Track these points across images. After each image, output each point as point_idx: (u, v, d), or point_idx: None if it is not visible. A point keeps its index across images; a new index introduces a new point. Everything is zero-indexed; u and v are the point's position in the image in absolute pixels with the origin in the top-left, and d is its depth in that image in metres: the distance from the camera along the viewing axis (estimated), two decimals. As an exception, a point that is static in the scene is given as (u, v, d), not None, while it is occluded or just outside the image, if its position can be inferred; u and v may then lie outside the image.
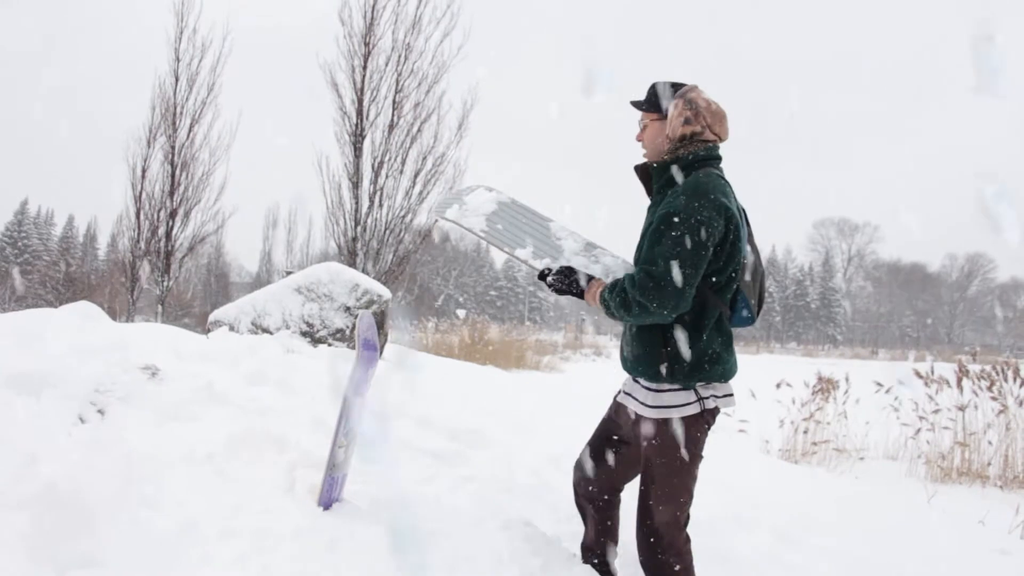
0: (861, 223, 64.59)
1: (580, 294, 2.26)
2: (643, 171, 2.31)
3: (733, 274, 2.12)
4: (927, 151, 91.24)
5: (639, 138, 2.36)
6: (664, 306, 2.00)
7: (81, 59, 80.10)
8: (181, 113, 14.45)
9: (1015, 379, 6.57)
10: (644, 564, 2.21)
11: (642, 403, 2.19)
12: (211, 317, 6.28)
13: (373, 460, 2.96)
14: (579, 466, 2.47)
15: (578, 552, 2.59)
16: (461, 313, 18.25)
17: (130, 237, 14.70)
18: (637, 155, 2.38)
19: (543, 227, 2.56)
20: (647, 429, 2.17)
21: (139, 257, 14.44)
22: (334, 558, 2.22)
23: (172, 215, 14.41)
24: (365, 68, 12.56)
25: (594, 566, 2.50)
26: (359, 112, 12.51)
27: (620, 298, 2.09)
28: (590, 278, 2.27)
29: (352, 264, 12.06)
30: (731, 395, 2.20)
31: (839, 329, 61.48)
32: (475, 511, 2.87)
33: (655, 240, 2.06)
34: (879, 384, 7.15)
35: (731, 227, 2.05)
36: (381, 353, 5.92)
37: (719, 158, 2.22)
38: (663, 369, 2.11)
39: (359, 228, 12.43)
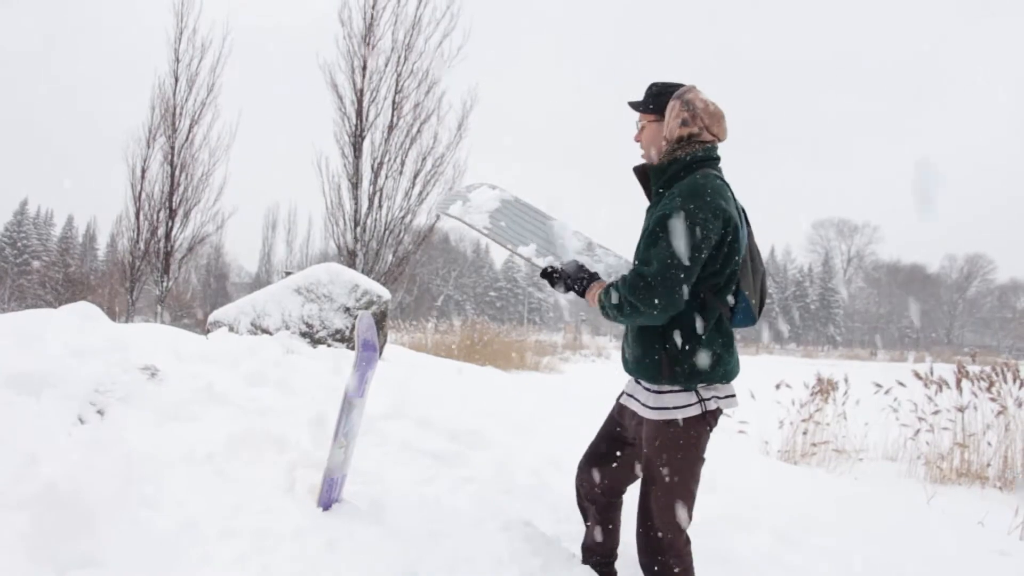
0: (860, 224, 64.70)
1: (583, 293, 2.26)
2: (642, 173, 2.31)
3: (732, 275, 2.11)
4: (927, 151, 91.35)
5: (637, 139, 2.36)
6: (654, 307, 1.99)
7: (81, 59, 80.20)
8: (181, 114, 14.46)
9: (1014, 380, 6.57)
10: (644, 565, 2.21)
11: (644, 404, 2.19)
12: (211, 318, 6.28)
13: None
14: (582, 466, 2.47)
15: (578, 552, 2.59)
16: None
17: (129, 237, 14.70)
18: (637, 155, 2.38)
19: (546, 225, 2.55)
20: (648, 430, 2.17)
21: (138, 257, 14.43)
22: (334, 558, 2.22)
23: (172, 215, 14.41)
24: (365, 69, 12.56)
25: (595, 566, 2.50)
26: (359, 113, 12.51)
27: (616, 298, 2.10)
28: (595, 277, 2.27)
29: (352, 265, 12.06)
30: (733, 396, 2.20)
31: (838, 330, 61.48)
32: (475, 512, 2.87)
33: (650, 241, 2.07)
34: (878, 385, 7.15)
35: (728, 229, 2.05)
36: (381, 354, 5.91)
37: (717, 158, 2.21)
38: (663, 370, 2.11)
39: (359, 229, 12.44)
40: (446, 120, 12.67)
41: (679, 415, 2.11)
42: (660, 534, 2.16)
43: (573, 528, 2.82)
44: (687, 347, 2.08)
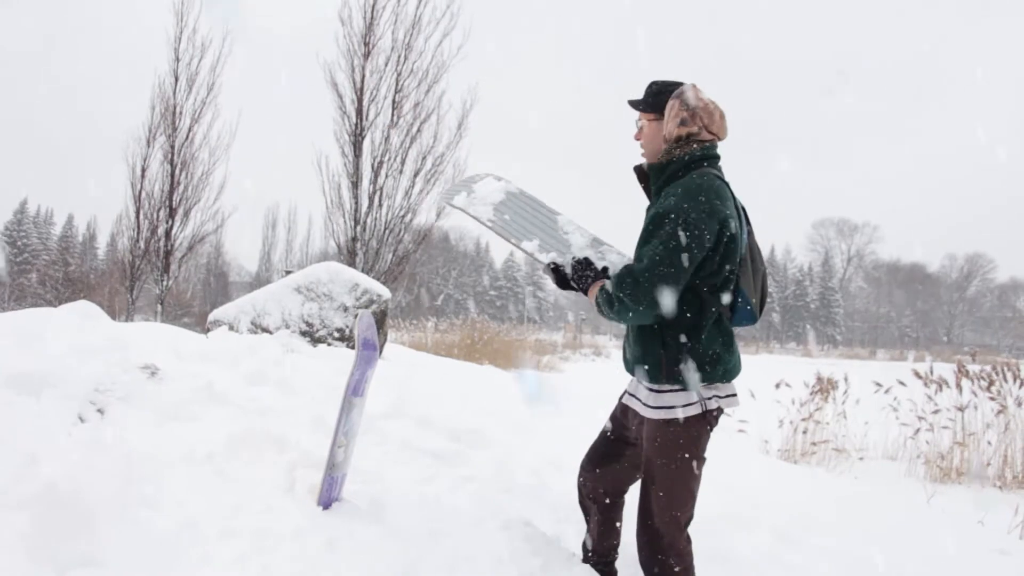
0: (860, 223, 64.71)
1: (586, 290, 2.25)
2: (642, 172, 2.31)
3: (730, 275, 2.11)
4: (927, 151, 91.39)
5: (637, 138, 2.35)
6: (641, 303, 2.00)
7: (81, 59, 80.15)
8: (181, 113, 14.47)
9: (1015, 380, 6.57)
10: (644, 564, 2.21)
11: (644, 404, 2.19)
12: (211, 317, 6.28)
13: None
14: (584, 466, 2.47)
15: (578, 552, 2.59)
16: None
17: (129, 237, 14.71)
18: (637, 155, 2.37)
19: (551, 220, 2.53)
20: (649, 429, 2.17)
21: (138, 256, 14.44)
22: (334, 558, 2.22)
23: (172, 214, 14.41)
24: (365, 68, 12.56)
25: (595, 565, 2.50)
26: (359, 112, 12.51)
27: (606, 295, 2.10)
28: (599, 274, 2.27)
29: (352, 264, 12.07)
30: (734, 395, 2.19)
31: (838, 329, 61.48)
32: (475, 511, 2.87)
33: (644, 239, 2.08)
34: (878, 384, 7.15)
35: (725, 229, 2.04)
36: (381, 353, 5.92)
37: (717, 157, 2.21)
38: (663, 370, 2.11)
39: (359, 228, 12.43)
40: (446, 119, 12.69)
41: (679, 414, 2.10)
42: (661, 533, 2.15)
43: (573, 527, 2.82)
44: (686, 346, 2.08)
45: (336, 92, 12.59)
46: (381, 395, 3.74)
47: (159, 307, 14.61)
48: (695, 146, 2.16)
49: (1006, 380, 6.64)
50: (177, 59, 14.50)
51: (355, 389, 2.49)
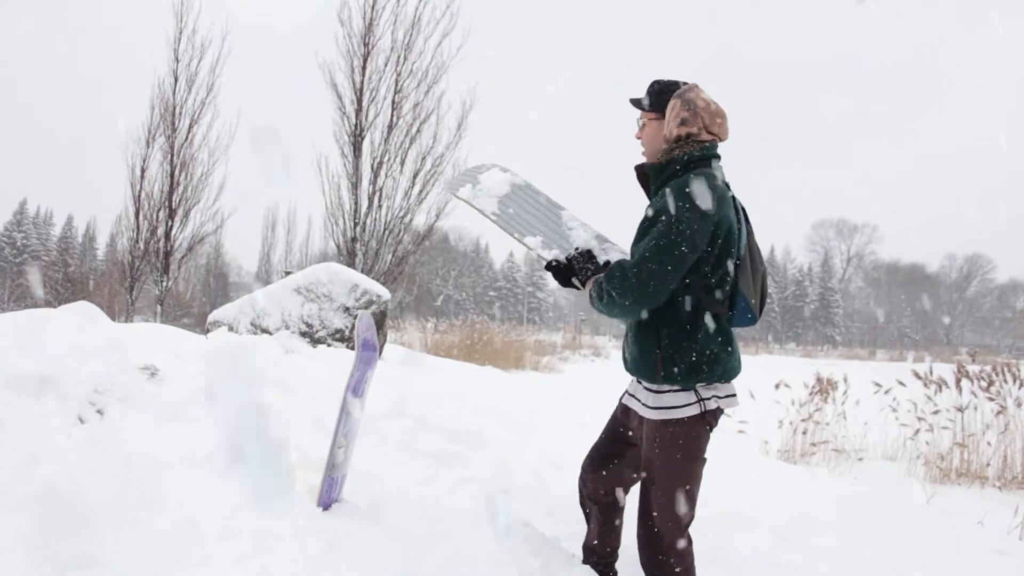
0: (860, 224, 64.73)
1: (584, 283, 2.25)
2: (642, 172, 2.31)
3: (724, 275, 2.10)
4: (926, 152, 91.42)
5: (638, 136, 2.35)
6: (628, 298, 2.01)
7: (81, 59, 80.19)
8: (180, 113, 14.46)
9: (1014, 380, 6.57)
10: (645, 565, 2.21)
11: (644, 404, 2.19)
12: (210, 317, 6.28)
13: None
14: (586, 467, 2.47)
15: (577, 552, 2.59)
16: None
17: (129, 237, 14.70)
18: (637, 155, 2.37)
19: (555, 215, 2.51)
20: (648, 430, 2.17)
21: (138, 257, 14.43)
22: (333, 559, 2.22)
23: (171, 215, 14.41)
24: (364, 68, 12.56)
25: (595, 566, 2.50)
26: (358, 112, 12.51)
27: (598, 288, 2.12)
28: (598, 268, 2.26)
29: (351, 264, 12.06)
30: (734, 395, 2.19)
31: (837, 330, 61.49)
32: (475, 512, 2.86)
33: (638, 237, 2.11)
34: (878, 385, 7.15)
35: (720, 230, 2.04)
36: (380, 353, 5.91)
37: (717, 158, 2.20)
38: (660, 369, 2.10)
39: (358, 228, 12.43)
40: (446, 120, 12.69)
41: (678, 415, 2.10)
42: (661, 534, 2.15)
43: (572, 528, 2.82)
44: (683, 346, 2.08)
45: (335, 93, 12.60)
46: (381, 396, 3.73)
47: (159, 308, 14.60)
48: (695, 146, 2.16)
49: (1006, 381, 6.65)
50: (176, 60, 14.50)
51: (355, 390, 2.48)
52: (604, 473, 2.41)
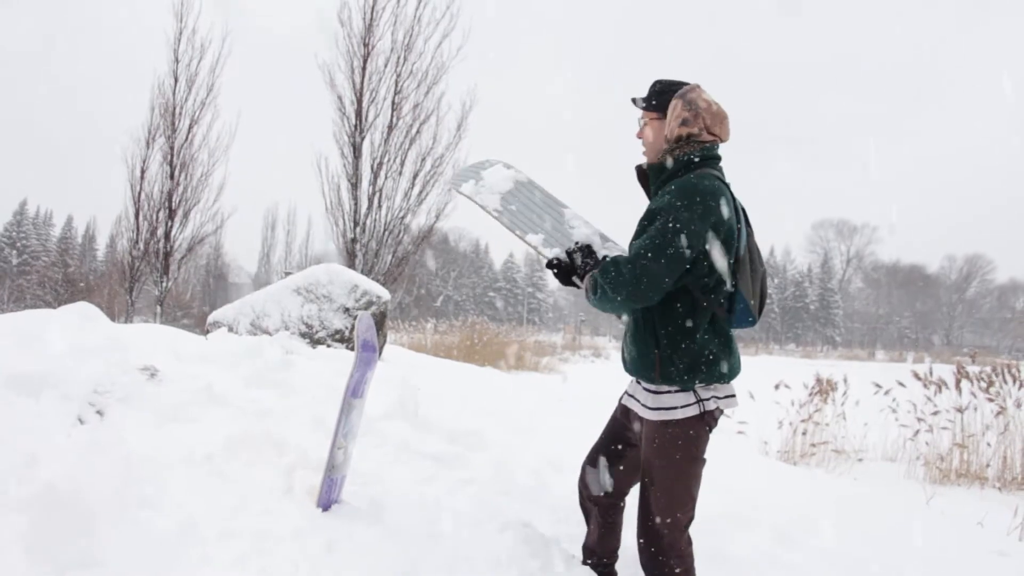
0: (860, 224, 64.73)
1: (583, 275, 2.25)
2: (642, 172, 2.31)
3: (722, 276, 2.10)
4: (926, 153, 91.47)
5: (639, 136, 2.35)
6: (620, 293, 2.02)
7: (81, 59, 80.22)
8: (180, 114, 14.48)
9: (1014, 381, 6.57)
10: (645, 566, 2.21)
11: (643, 405, 2.19)
12: (210, 318, 6.28)
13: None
14: (585, 467, 2.46)
15: (577, 553, 2.59)
16: None
17: (129, 238, 14.73)
18: (636, 155, 2.37)
19: (557, 213, 2.49)
20: (647, 431, 2.17)
21: (138, 258, 14.44)
22: (333, 559, 2.22)
23: (171, 216, 14.41)
24: (364, 69, 12.57)
25: (595, 567, 2.50)
26: (358, 113, 12.52)
27: (593, 281, 2.13)
28: (598, 263, 2.26)
29: (351, 265, 12.07)
30: (733, 396, 2.19)
31: (837, 331, 61.49)
32: (474, 513, 2.86)
33: (636, 234, 2.12)
34: (878, 385, 7.15)
35: (717, 232, 2.04)
36: (380, 354, 5.91)
37: (717, 158, 2.20)
38: (658, 370, 2.11)
39: (358, 229, 12.44)
40: (445, 121, 12.70)
41: (677, 415, 2.10)
42: (661, 534, 2.15)
43: (572, 529, 2.82)
44: (681, 346, 2.08)
45: (335, 93, 12.62)
46: (380, 397, 3.73)
47: (158, 308, 14.61)
48: (696, 147, 2.16)
49: (1005, 381, 6.65)
50: (176, 60, 14.51)
51: (355, 390, 2.48)
52: (604, 474, 2.40)
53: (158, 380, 3.32)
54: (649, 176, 2.26)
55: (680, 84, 2.25)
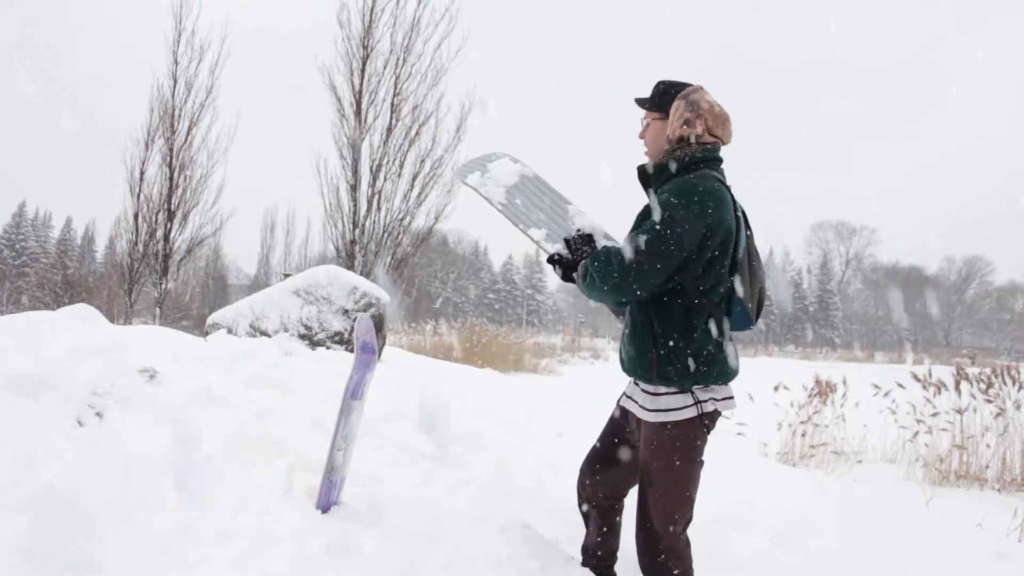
0: (859, 226, 64.77)
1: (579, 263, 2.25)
2: (643, 172, 2.31)
3: (719, 277, 2.10)
4: (926, 153, 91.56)
5: (641, 136, 2.35)
6: (607, 283, 2.04)
7: (81, 59, 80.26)
8: (179, 116, 14.48)
9: (1013, 383, 6.57)
10: (644, 567, 2.21)
11: (641, 406, 2.19)
12: (209, 320, 6.28)
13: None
14: (584, 469, 2.46)
15: (576, 554, 2.59)
16: None
17: (128, 239, 14.72)
18: (638, 156, 2.38)
19: (561, 209, 2.49)
20: (645, 432, 2.17)
21: (137, 259, 14.43)
22: (332, 560, 2.22)
23: (170, 217, 14.41)
24: (363, 71, 12.57)
25: (594, 569, 2.49)
26: (357, 115, 12.52)
27: (583, 268, 2.15)
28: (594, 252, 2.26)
29: (350, 267, 12.07)
30: (731, 397, 2.19)
31: (836, 332, 61.50)
32: (474, 513, 2.86)
33: (632, 229, 2.13)
34: (877, 387, 7.15)
35: (714, 233, 2.04)
36: (379, 356, 5.91)
37: (719, 160, 2.21)
38: (655, 370, 2.11)
39: (357, 231, 12.43)
40: (445, 122, 12.71)
41: (675, 417, 2.10)
42: (659, 536, 2.15)
43: (571, 530, 2.82)
44: (679, 347, 2.08)
45: (335, 95, 12.63)
46: (380, 398, 3.73)
47: (157, 310, 14.60)
48: (697, 147, 2.17)
49: (1005, 383, 6.65)
50: (176, 62, 14.51)
51: (354, 392, 2.48)
52: (602, 476, 2.41)
53: (157, 381, 3.32)
54: (651, 176, 2.26)
55: (683, 85, 2.26)
